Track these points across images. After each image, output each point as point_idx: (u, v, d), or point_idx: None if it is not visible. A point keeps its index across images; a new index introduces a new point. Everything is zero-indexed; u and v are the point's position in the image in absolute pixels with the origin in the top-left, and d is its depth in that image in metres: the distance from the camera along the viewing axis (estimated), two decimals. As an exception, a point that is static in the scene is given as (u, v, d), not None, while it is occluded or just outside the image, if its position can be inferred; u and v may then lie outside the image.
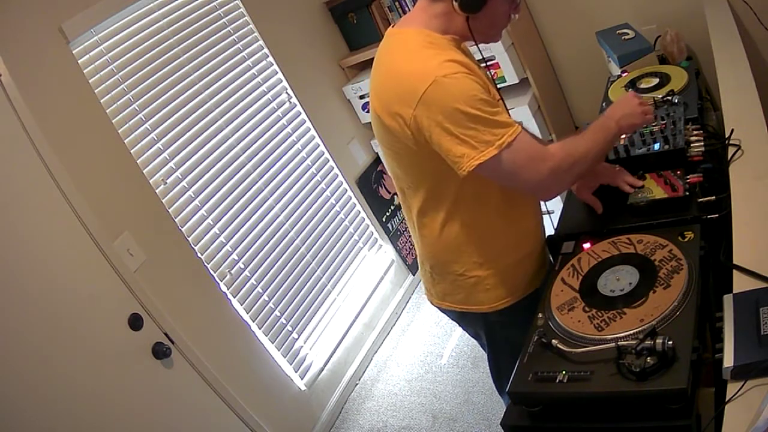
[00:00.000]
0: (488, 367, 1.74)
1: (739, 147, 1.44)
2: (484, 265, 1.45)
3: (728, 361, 0.95)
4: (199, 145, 2.48)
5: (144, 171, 2.26)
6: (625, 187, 1.49)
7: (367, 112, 3.14)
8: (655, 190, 1.43)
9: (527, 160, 1.24)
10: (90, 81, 2.15)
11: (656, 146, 1.51)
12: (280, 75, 2.87)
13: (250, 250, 2.58)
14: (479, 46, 1.36)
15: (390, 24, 3.04)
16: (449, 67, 1.21)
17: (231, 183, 2.56)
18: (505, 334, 1.53)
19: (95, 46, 2.19)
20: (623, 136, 1.52)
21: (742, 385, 0.92)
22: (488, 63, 1.40)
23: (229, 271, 2.49)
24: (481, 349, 1.75)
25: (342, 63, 3.16)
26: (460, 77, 1.20)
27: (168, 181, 2.35)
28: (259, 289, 2.59)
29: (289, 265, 2.72)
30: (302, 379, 2.69)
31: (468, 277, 1.47)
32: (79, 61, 2.14)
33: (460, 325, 1.70)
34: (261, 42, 2.80)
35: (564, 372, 1.11)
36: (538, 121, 2.85)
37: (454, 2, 1.27)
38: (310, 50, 3.03)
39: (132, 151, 2.24)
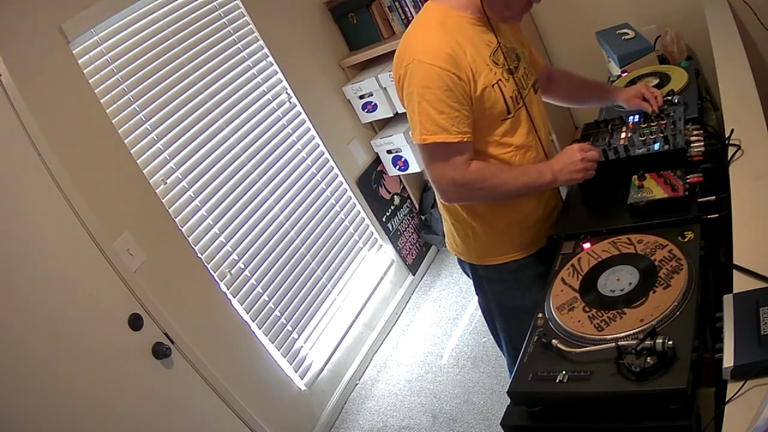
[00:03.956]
0: (484, 320, 1.86)
1: (739, 147, 1.44)
2: (474, 220, 1.58)
3: (728, 361, 0.95)
4: (199, 145, 2.48)
5: (144, 171, 2.26)
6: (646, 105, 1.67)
7: (367, 112, 3.15)
8: (655, 190, 1.43)
9: (440, 162, 1.41)
10: (90, 81, 2.15)
11: (656, 146, 1.51)
12: (280, 75, 2.87)
13: (250, 250, 2.58)
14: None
15: (390, 24, 3.06)
16: (431, 55, 1.35)
17: (231, 183, 2.56)
18: (491, 288, 1.69)
19: (95, 46, 2.19)
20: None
21: (742, 385, 0.92)
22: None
23: (229, 271, 2.49)
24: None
25: (342, 63, 3.16)
26: (428, 67, 1.34)
27: (168, 181, 2.35)
28: (259, 289, 2.59)
29: (289, 265, 2.72)
30: (302, 379, 2.69)
31: (460, 228, 1.63)
32: (79, 61, 2.14)
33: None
34: (261, 42, 2.80)
35: (564, 372, 1.11)
36: (538, 121, 2.84)
37: None
38: (310, 50, 3.03)
39: (132, 151, 2.24)
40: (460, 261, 1.76)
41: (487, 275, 1.67)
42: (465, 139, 1.38)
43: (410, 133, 1.44)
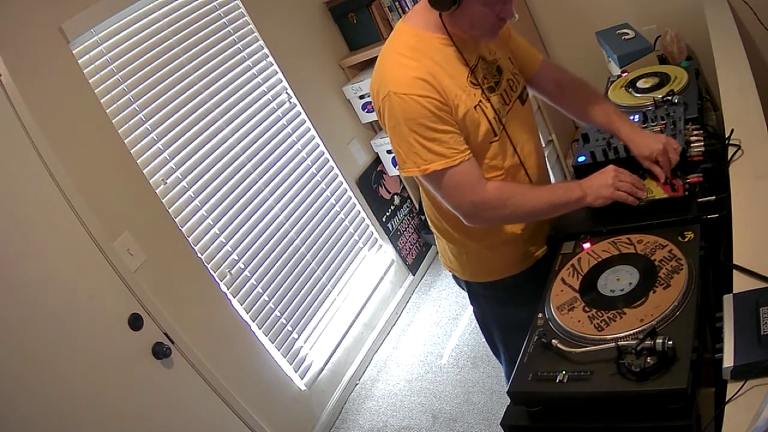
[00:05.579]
0: (483, 337, 1.85)
1: (739, 147, 1.44)
2: (467, 239, 1.54)
3: (728, 361, 0.95)
4: (199, 145, 2.48)
5: (144, 171, 2.26)
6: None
7: (367, 112, 3.15)
8: (655, 190, 1.43)
9: (453, 188, 1.35)
10: (90, 81, 2.15)
11: (656, 146, 1.51)
12: (280, 75, 2.87)
13: (250, 250, 2.58)
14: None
15: (390, 23, 3.06)
16: (405, 85, 1.29)
17: (231, 183, 2.56)
18: (488, 304, 1.67)
19: (95, 46, 2.19)
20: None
21: (742, 385, 0.92)
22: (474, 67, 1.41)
23: (229, 271, 2.49)
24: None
25: (342, 63, 3.16)
26: (407, 99, 1.28)
27: (168, 181, 2.35)
28: (259, 289, 2.59)
29: (289, 265, 2.72)
30: (302, 379, 2.69)
31: (454, 248, 1.60)
32: (79, 61, 2.14)
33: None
34: (261, 42, 2.80)
35: (564, 372, 1.11)
36: (538, 121, 2.84)
37: None
38: (310, 50, 3.03)
39: (132, 151, 2.24)
40: (455, 277, 1.72)
41: (484, 292, 1.64)
42: (467, 158, 1.33)
43: (399, 165, 1.39)
